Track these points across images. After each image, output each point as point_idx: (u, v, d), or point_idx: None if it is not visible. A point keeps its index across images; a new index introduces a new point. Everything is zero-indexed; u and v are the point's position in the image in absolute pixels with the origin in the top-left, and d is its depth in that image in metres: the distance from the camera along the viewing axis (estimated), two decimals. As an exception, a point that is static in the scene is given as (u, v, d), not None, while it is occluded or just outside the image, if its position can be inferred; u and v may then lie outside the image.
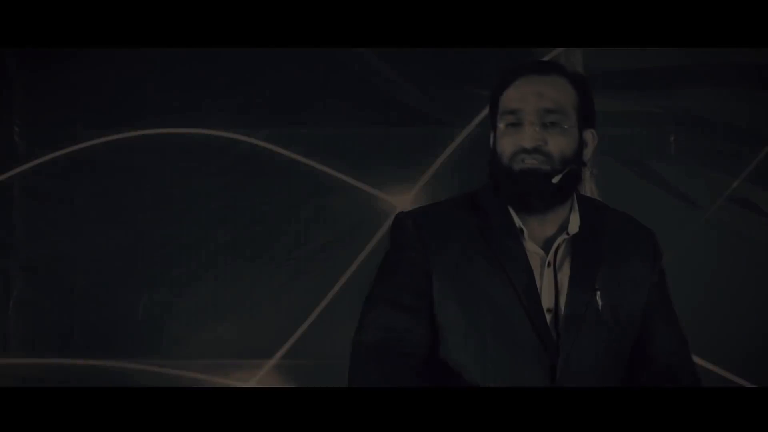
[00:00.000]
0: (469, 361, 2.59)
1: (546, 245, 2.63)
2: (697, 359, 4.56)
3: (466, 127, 4.66)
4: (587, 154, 2.68)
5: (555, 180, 2.59)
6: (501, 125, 2.64)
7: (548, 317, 2.60)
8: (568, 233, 2.64)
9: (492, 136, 2.69)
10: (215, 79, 4.66)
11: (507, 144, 2.62)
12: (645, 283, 2.71)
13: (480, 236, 2.62)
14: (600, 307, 2.62)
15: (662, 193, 4.64)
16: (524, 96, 2.62)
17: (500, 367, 2.58)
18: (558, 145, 2.60)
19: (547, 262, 2.62)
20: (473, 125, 4.66)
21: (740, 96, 4.63)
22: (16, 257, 4.63)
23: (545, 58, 4.66)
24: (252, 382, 4.56)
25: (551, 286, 2.61)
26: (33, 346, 4.61)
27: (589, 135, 2.68)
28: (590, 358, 2.61)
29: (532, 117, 2.60)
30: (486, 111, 4.65)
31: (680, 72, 4.65)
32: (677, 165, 4.64)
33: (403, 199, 4.61)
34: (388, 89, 4.65)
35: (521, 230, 2.62)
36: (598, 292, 2.62)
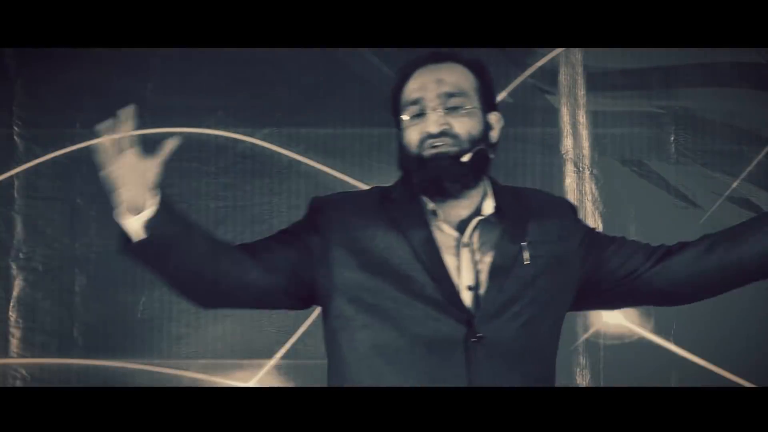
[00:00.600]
0: (373, 319, 2.59)
1: (461, 227, 2.65)
2: (697, 359, 4.57)
3: (466, 127, 4.66)
4: (494, 136, 2.71)
5: (465, 159, 2.63)
6: (405, 118, 2.67)
7: (469, 295, 2.60)
8: (482, 215, 2.66)
9: (397, 134, 2.71)
10: (215, 79, 4.66)
11: (413, 133, 2.65)
12: (574, 236, 2.73)
13: (381, 209, 2.66)
14: (527, 259, 2.64)
15: (662, 193, 4.64)
16: (424, 85, 2.67)
17: (406, 323, 2.58)
18: (464, 126, 2.64)
19: (462, 243, 2.63)
20: (473, 125, 4.66)
21: (740, 96, 4.63)
22: (16, 256, 4.63)
23: (545, 58, 4.66)
24: (252, 382, 4.56)
25: (470, 265, 2.63)
26: (32, 346, 4.61)
27: (494, 117, 2.72)
28: (515, 307, 2.61)
29: (434, 103, 2.65)
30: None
31: (680, 72, 4.65)
32: (677, 165, 4.64)
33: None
34: (388, 89, 4.64)
35: (434, 212, 2.65)
36: (525, 244, 2.65)
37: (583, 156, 4.65)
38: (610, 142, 4.66)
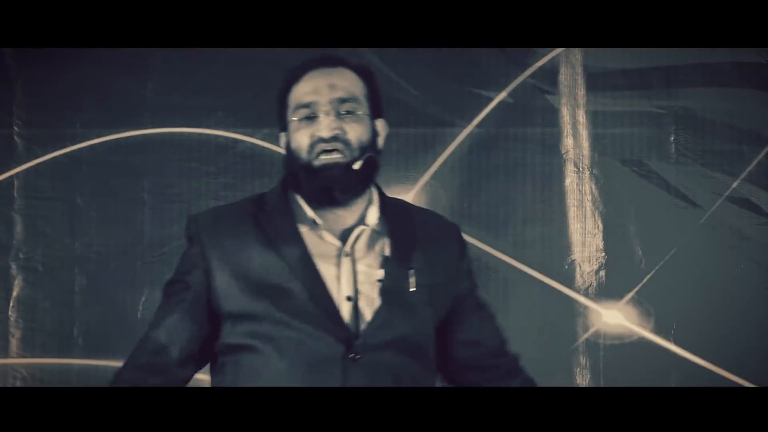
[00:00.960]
0: (257, 343, 2.58)
1: (343, 236, 2.64)
2: (697, 359, 4.57)
3: (466, 127, 4.66)
4: (380, 142, 2.71)
5: (356, 166, 2.62)
6: (294, 120, 2.65)
7: (348, 305, 2.59)
8: (366, 224, 2.65)
9: (283, 136, 2.69)
10: (215, 79, 4.66)
11: (303, 136, 2.63)
12: (455, 272, 2.73)
13: (257, 225, 2.64)
14: (413, 288, 2.63)
15: (662, 193, 4.64)
16: (317, 88, 2.64)
17: (289, 346, 2.57)
18: (355, 132, 2.63)
19: (344, 252, 2.62)
20: (473, 125, 4.66)
21: (740, 96, 4.63)
22: (16, 256, 4.63)
23: (545, 58, 4.66)
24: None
25: (350, 275, 2.62)
26: (32, 346, 4.61)
27: (380, 124, 2.71)
28: (397, 331, 2.60)
29: (327, 107, 2.62)
30: (486, 111, 4.68)
31: (680, 72, 4.65)
32: (677, 165, 4.65)
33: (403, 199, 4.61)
34: (388, 89, 4.65)
35: (314, 221, 2.64)
36: (412, 272, 2.64)
37: (583, 156, 4.66)
38: (610, 142, 4.66)
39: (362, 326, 2.58)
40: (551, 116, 4.67)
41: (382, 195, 2.72)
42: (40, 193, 4.64)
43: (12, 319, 4.61)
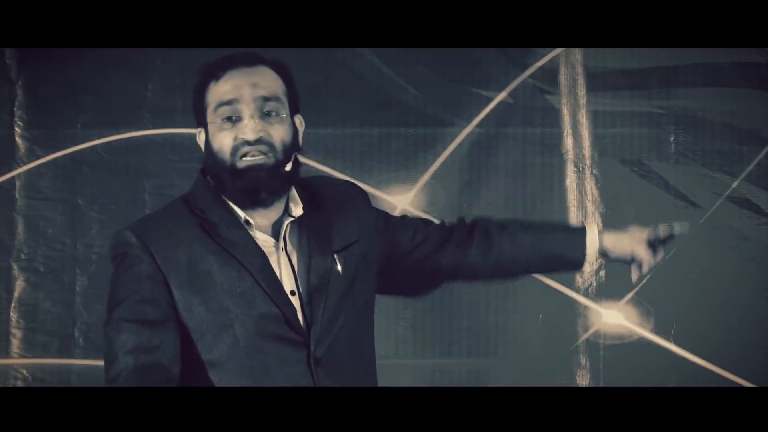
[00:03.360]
0: (224, 356, 2.57)
1: (274, 233, 2.64)
2: (697, 359, 4.57)
3: (466, 127, 4.66)
4: (300, 139, 2.69)
5: (287, 168, 2.61)
6: (216, 120, 2.62)
7: (294, 300, 2.60)
8: (293, 216, 2.65)
9: (201, 133, 2.66)
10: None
11: (226, 138, 2.60)
12: (370, 229, 2.74)
13: (205, 234, 2.60)
14: (340, 270, 2.64)
15: (662, 193, 4.64)
16: (238, 87, 2.61)
17: (255, 355, 2.57)
18: (279, 134, 2.61)
19: (280, 248, 2.63)
20: (473, 125, 4.66)
21: (740, 96, 4.63)
22: (17, 257, 4.63)
23: (545, 58, 4.66)
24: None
25: (288, 269, 2.62)
26: (33, 346, 4.61)
27: (298, 120, 2.70)
28: (344, 323, 2.62)
29: (251, 108, 2.60)
30: (486, 111, 4.68)
31: (680, 72, 4.65)
32: (677, 165, 4.65)
33: (403, 199, 4.61)
34: (388, 89, 4.65)
35: (247, 222, 2.62)
36: (335, 256, 2.64)
37: (583, 156, 4.66)
38: (610, 142, 4.66)
39: (313, 325, 2.59)
40: (551, 116, 4.67)
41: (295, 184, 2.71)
42: (41, 194, 4.65)
43: (13, 319, 4.61)
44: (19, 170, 4.64)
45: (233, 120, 2.60)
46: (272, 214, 2.65)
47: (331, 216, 2.69)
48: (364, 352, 2.69)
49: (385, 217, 2.80)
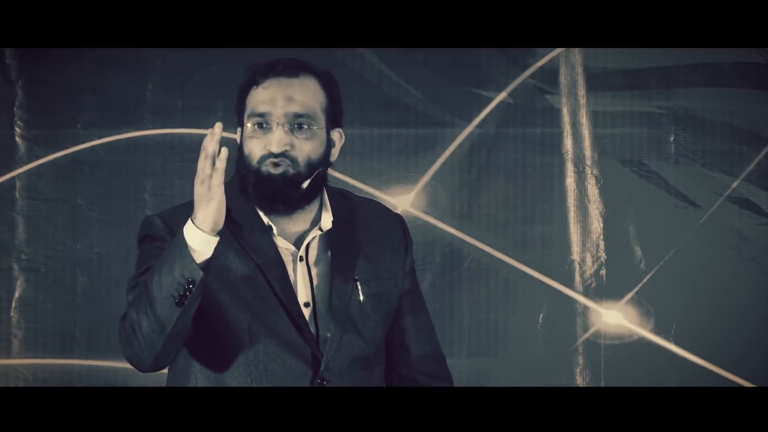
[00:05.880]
0: (230, 347, 2.58)
1: (298, 241, 2.63)
2: (697, 359, 4.57)
3: (466, 127, 4.67)
4: (334, 153, 2.68)
5: (304, 185, 2.61)
6: (248, 125, 2.63)
7: (306, 311, 2.60)
8: (321, 229, 2.65)
9: (239, 133, 2.68)
10: (215, 79, 4.66)
11: (255, 146, 2.62)
12: (400, 273, 2.72)
13: (228, 233, 2.59)
14: (361, 299, 2.63)
15: (662, 193, 4.64)
16: (273, 99, 2.62)
17: (260, 356, 2.57)
18: (304, 149, 2.60)
19: (299, 257, 2.62)
20: (473, 125, 4.66)
21: (740, 96, 4.63)
22: (18, 257, 4.64)
23: (545, 58, 4.67)
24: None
25: (306, 280, 2.62)
26: (34, 347, 4.61)
27: (337, 134, 2.68)
28: (355, 349, 2.62)
29: (281, 120, 2.60)
30: (486, 111, 4.68)
31: (680, 72, 4.65)
32: (677, 165, 4.65)
33: (403, 199, 4.61)
34: (388, 89, 4.65)
35: (270, 227, 2.63)
36: (358, 284, 2.63)
37: (583, 156, 4.66)
38: (610, 142, 4.66)
39: (323, 345, 2.58)
40: (551, 116, 4.67)
41: (331, 196, 2.70)
42: (41, 194, 4.65)
43: (14, 319, 4.61)
44: (19, 170, 4.64)
45: (264, 128, 2.61)
46: (299, 224, 2.65)
47: (364, 242, 2.68)
48: (374, 380, 2.68)
49: (412, 279, 2.76)
